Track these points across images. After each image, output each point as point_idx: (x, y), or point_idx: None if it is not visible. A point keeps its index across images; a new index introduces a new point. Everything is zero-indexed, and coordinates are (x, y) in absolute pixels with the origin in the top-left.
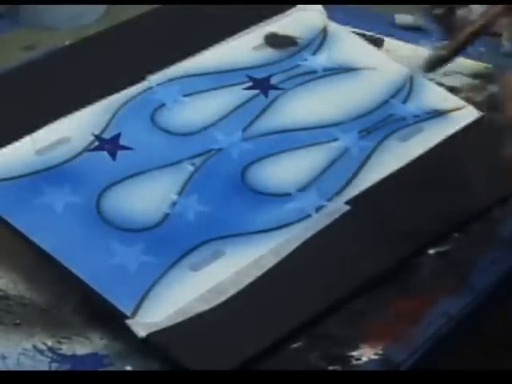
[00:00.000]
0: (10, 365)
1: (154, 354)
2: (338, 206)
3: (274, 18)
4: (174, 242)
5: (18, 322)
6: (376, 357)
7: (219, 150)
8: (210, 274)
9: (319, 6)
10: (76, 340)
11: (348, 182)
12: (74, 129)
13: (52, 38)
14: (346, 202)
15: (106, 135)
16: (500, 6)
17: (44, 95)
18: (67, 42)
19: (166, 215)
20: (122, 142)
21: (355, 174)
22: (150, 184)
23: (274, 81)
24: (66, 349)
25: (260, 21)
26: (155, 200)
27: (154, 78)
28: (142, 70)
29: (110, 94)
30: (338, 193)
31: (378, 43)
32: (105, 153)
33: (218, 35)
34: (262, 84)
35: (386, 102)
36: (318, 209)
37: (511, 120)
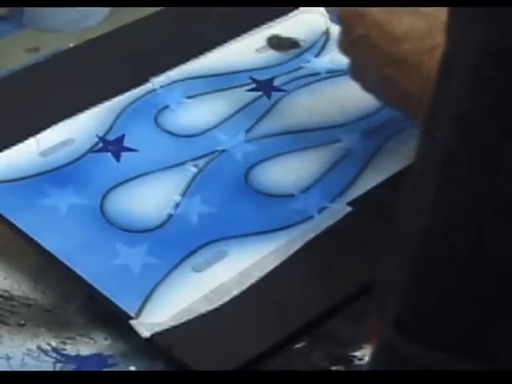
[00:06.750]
0: (15, 365)
1: (158, 355)
2: (340, 207)
3: (277, 20)
4: (177, 243)
5: (22, 322)
6: None
7: (222, 151)
8: (213, 275)
9: (322, 9)
10: (80, 340)
11: (351, 183)
12: (78, 130)
13: (56, 41)
14: (349, 203)
15: (110, 137)
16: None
17: (48, 97)
18: (71, 45)
19: (170, 216)
20: (126, 143)
21: (358, 175)
22: (154, 185)
23: (276, 82)
24: (71, 349)
25: (263, 23)
26: (159, 201)
27: (157, 80)
28: (146, 72)
29: (114, 95)
30: (341, 194)
31: None
32: (109, 154)
33: (221, 37)
34: (265, 86)
35: None
36: (321, 210)
37: None
